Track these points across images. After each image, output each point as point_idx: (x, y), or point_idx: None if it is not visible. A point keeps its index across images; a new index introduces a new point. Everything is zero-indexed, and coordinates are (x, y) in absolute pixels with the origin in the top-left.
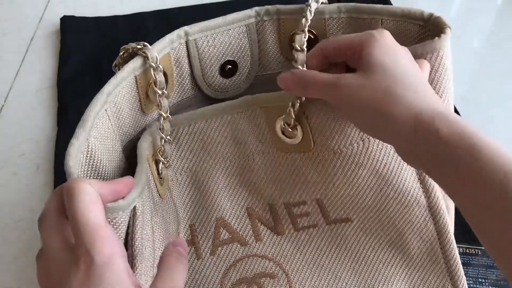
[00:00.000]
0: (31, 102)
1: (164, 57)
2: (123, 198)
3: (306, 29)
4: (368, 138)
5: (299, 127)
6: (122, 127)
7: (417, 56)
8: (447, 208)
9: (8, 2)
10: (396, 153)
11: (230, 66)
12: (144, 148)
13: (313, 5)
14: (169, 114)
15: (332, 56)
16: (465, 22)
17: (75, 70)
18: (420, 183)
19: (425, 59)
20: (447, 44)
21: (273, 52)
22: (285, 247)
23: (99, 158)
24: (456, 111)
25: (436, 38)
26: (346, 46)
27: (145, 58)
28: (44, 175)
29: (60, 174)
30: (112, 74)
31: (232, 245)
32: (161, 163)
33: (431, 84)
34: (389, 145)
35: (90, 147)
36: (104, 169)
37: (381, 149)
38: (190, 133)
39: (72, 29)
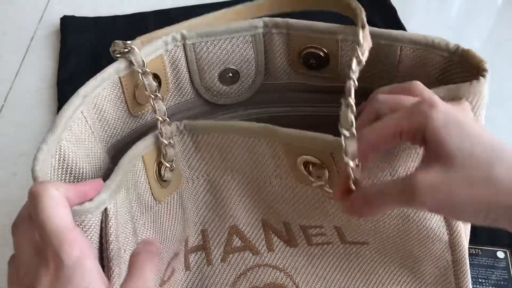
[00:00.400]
0: (31, 102)
1: (156, 59)
2: (90, 200)
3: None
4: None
5: (326, 169)
6: (107, 128)
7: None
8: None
9: (8, 2)
10: None
11: (231, 74)
12: (140, 149)
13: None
14: (168, 116)
15: (380, 147)
16: (465, 22)
17: (75, 70)
18: (445, 222)
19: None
20: (486, 87)
21: (281, 63)
22: (297, 259)
23: (74, 161)
24: None
25: (475, 81)
26: (395, 133)
27: (130, 62)
28: None
29: None
30: None
31: (244, 253)
32: (164, 166)
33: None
34: None
35: (62, 150)
36: (81, 171)
37: None
38: (209, 143)
39: (72, 29)
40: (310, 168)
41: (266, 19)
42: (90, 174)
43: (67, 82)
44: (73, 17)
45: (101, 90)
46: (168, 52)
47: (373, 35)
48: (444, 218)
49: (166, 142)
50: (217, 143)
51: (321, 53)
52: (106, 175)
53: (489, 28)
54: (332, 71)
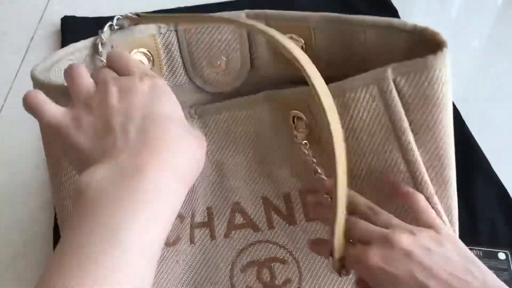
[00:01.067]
0: None
1: (149, 38)
2: None
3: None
4: None
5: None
6: None
7: (408, 73)
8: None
9: (8, 2)
10: None
11: (219, 62)
12: None
13: None
14: None
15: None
16: (465, 22)
17: None
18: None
19: (416, 77)
20: (445, 62)
21: (264, 53)
22: (296, 235)
23: None
24: (456, 111)
25: (431, 55)
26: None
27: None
28: (44, 175)
29: None
30: None
31: (245, 230)
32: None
33: (425, 116)
34: None
35: None
36: None
37: None
38: (217, 122)
39: (72, 29)
40: (295, 120)
41: (248, 10)
42: None
43: None
44: (73, 17)
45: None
46: (162, 35)
47: (335, 21)
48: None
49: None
50: (224, 122)
51: (301, 44)
52: None
53: (489, 28)
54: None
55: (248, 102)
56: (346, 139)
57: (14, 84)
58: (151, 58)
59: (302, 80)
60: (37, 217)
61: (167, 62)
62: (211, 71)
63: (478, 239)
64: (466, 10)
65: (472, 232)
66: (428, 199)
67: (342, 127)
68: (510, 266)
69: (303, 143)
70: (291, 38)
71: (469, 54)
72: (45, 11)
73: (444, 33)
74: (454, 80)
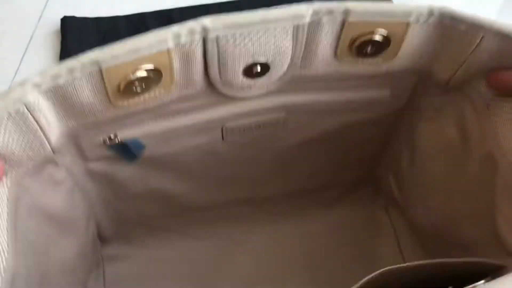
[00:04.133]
0: None
1: (161, 53)
2: None
3: None
4: None
5: None
6: None
7: None
8: None
9: (7, 1)
10: None
11: (259, 67)
12: None
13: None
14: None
15: None
16: None
17: None
18: None
19: None
20: None
21: (323, 54)
22: None
23: None
24: None
25: None
26: None
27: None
28: None
29: None
30: None
31: None
32: None
33: None
34: None
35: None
36: None
37: None
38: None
39: (72, 29)
40: None
41: (318, 5)
42: None
43: None
44: (73, 17)
45: None
46: (179, 46)
47: (453, 17)
48: None
49: None
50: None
51: (380, 39)
52: None
53: None
54: (388, 56)
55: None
56: None
57: (14, 84)
58: (160, 73)
59: (350, 77)
60: None
61: (182, 72)
62: (248, 77)
63: None
64: (466, 10)
65: None
66: None
67: None
68: None
69: None
70: (359, 37)
71: None
72: (44, 10)
73: None
74: None
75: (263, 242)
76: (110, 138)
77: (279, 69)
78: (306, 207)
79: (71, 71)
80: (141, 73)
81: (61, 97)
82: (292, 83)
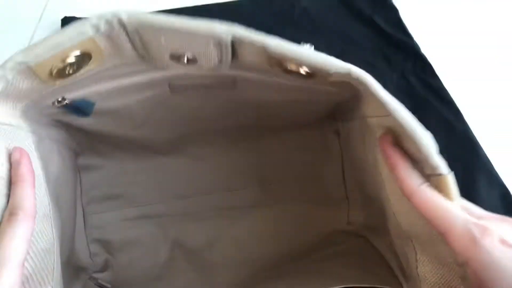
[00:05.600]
0: None
1: (87, 40)
2: None
3: None
4: None
5: None
6: None
7: None
8: None
9: (7, 1)
10: None
11: (186, 58)
12: None
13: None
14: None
15: None
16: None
17: None
18: None
19: None
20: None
21: (254, 66)
22: None
23: None
24: (458, 111)
25: None
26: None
27: None
28: None
29: None
30: None
31: None
32: None
33: None
34: None
35: None
36: None
37: None
38: None
39: None
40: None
41: (238, 32)
42: None
43: None
44: (73, 17)
45: None
46: (100, 33)
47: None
48: None
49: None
50: None
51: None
52: None
53: None
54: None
55: None
56: None
57: None
58: (90, 55)
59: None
60: None
61: (112, 49)
62: (177, 63)
63: None
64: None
65: None
66: None
67: None
68: None
69: None
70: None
71: (471, 55)
72: (44, 11)
73: (446, 33)
74: (454, 80)
75: (222, 158)
76: (58, 101)
77: (208, 64)
78: (263, 132)
79: (2, 77)
80: (71, 59)
81: (5, 95)
82: (231, 67)
